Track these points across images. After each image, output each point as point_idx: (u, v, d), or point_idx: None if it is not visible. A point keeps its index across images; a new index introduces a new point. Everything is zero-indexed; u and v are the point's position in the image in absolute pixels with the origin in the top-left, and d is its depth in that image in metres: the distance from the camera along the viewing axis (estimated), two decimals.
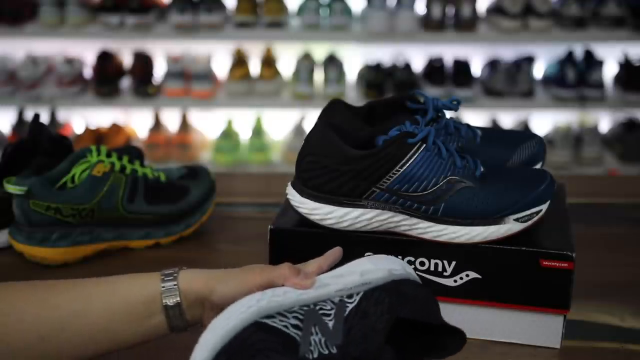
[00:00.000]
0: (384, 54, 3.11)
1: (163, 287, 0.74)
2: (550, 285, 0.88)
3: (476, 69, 3.13)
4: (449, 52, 3.10)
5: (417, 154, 0.87)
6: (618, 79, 3.09)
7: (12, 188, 1.04)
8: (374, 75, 3.02)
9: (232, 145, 3.10)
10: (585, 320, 0.95)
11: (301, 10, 3.01)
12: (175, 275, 0.75)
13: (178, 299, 0.74)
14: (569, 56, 3.05)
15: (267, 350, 0.66)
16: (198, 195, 1.17)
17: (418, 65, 3.12)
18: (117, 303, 0.74)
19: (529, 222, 0.89)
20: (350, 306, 0.71)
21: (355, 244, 0.90)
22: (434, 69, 3.04)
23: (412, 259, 0.90)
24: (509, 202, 0.88)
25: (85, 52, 3.10)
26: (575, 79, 2.98)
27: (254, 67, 3.09)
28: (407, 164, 0.87)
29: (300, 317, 0.70)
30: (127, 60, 3.12)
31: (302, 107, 3.09)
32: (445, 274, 0.90)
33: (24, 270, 1.07)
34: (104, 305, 0.74)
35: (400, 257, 0.90)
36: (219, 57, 3.17)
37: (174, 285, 0.74)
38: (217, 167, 3.01)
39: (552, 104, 3.03)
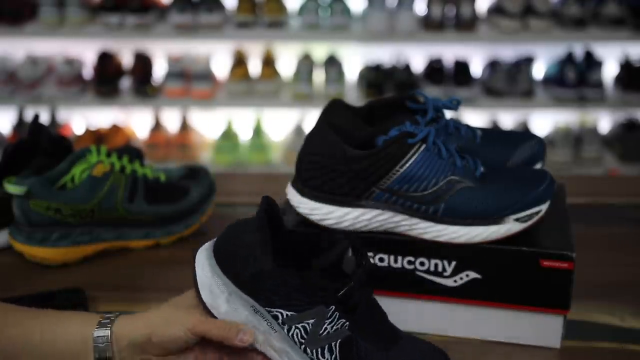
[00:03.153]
0: (384, 54, 3.11)
1: (95, 333, 0.76)
2: (550, 285, 0.88)
3: (476, 69, 3.13)
4: (449, 52, 3.10)
5: (417, 154, 0.87)
6: (618, 79, 3.09)
7: (12, 188, 1.04)
8: (374, 76, 3.02)
9: (232, 145, 3.10)
10: (585, 320, 0.95)
11: (301, 10, 3.01)
12: (111, 320, 0.77)
13: (108, 344, 0.76)
14: (569, 56, 3.05)
15: None
16: (198, 196, 1.17)
17: (418, 65, 3.12)
18: (57, 340, 0.77)
19: (529, 222, 0.89)
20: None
21: None
22: (434, 69, 3.04)
23: (412, 259, 0.90)
24: (509, 202, 0.88)
25: (85, 52, 3.10)
26: (575, 79, 2.98)
27: (254, 67, 3.10)
28: (407, 164, 0.87)
29: None
30: (127, 60, 3.12)
31: (302, 107, 3.09)
32: (445, 274, 0.90)
33: (24, 270, 1.07)
34: (47, 339, 0.76)
35: (400, 257, 0.91)
36: (219, 57, 3.17)
37: (107, 331, 0.76)
38: (217, 167, 3.01)
39: (552, 104, 3.03)
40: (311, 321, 0.75)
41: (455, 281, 0.90)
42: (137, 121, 3.23)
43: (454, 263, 0.90)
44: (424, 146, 0.88)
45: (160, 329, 0.75)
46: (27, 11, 2.96)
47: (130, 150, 1.14)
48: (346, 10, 2.98)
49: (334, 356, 0.75)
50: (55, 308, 0.95)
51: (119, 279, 1.06)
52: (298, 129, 3.12)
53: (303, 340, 0.76)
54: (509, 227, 0.88)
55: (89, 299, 0.98)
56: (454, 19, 2.96)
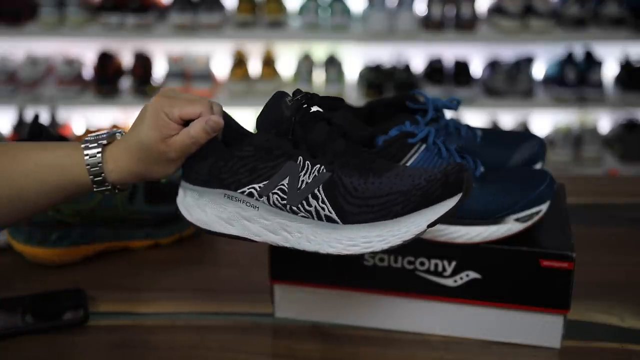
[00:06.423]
0: (384, 54, 3.11)
1: (87, 164, 0.79)
2: (550, 285, 0.88)
3: (476, 69, 3.13)
4: (449, 52, 3.10)
5: (417, 154, 0.87)
6: (618, 79, 3.09)
7: None
8: (374, 76, 3.02)
9: None
10: (585, 320, 0.95)
11: (301, 10, 3.01)
12: (100, 149, 0.79)
13: (102, 172, 0.79)
14: (569, 56, 3.05)
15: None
16: None
17: (418, 65, 3.12)
18: (52, 163, 0.80)
19: (529, 222, 0.89)
20: None
21: None
22: (434, 69, 3.04)
23: (412, 258, 0.90)
24: (509, 202, 0.88)
25: (85, 52, 3.10)
26: (575, 79, 2.98)
27: (254, 67, 3.10)
28: (407, 164, 0.87)
29: None
30: (127, 60, 3.12)
31: None
32: (445, 274, 0.90)
33: (24, 270, 1.07)
34: (42, 163, 0.80)
35: (400, 257, 0.91)
36: (218, 57, 3.17)
37: (99, 161, 0.79)
38: None
39: (552, 104, 3.03)
40: (285, 181, 0.74)
41: (455, 281, 0.90)
42: None
43: (454, 263, 0.90)
44: (424, 146, 0.88)
45: (147, 169, 0.81)
46: (27, 11, 2.97)
47: None
48: (346, 10, 2.99)
49: (320, 199, 0.72)
50: (56, 308, 0.95)
51: (119, 279, 1.06)
52: None
53: (284, 202, 0.73)
54: (509, 227, 0.88)
55: (89, 299, 0.98)
56: (454, 19, 2.96)
